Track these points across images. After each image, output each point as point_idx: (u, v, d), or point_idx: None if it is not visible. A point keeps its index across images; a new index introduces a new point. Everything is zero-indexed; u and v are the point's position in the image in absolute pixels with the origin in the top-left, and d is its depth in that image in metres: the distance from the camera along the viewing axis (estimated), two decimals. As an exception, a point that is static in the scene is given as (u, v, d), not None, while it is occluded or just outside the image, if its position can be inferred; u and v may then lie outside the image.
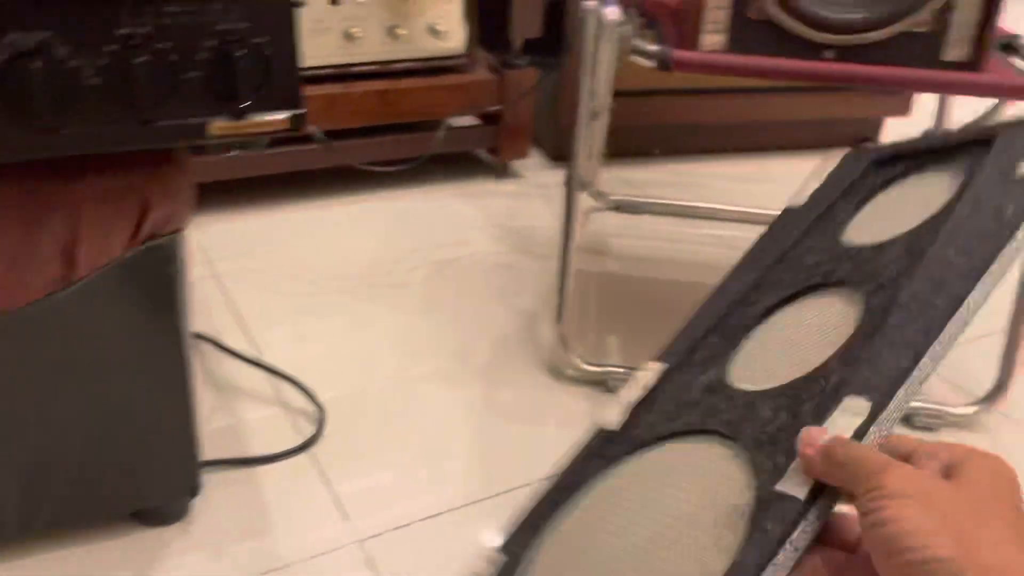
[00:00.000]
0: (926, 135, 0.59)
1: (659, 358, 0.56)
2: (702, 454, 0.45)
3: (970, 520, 0.33)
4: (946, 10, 0.83)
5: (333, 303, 1.14)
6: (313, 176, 1.40)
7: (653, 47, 0.79)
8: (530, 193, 1.51)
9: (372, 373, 1.00)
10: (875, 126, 1.83)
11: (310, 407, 0.93)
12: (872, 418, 0.38)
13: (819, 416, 0.40)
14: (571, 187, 0.96)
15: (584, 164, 0.98)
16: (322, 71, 1.32)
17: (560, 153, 1.55)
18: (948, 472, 0.35)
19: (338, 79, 1.34)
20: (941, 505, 0.33)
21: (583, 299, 1.19)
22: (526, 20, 1.42)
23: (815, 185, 0.62)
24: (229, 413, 0.93)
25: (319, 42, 1.30)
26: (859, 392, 0.39)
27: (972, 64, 0.84)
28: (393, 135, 1.39)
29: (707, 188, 1.57)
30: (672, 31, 0.93)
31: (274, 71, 0.65)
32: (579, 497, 0.50)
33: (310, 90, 1.31)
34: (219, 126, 0.64)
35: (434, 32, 1.37)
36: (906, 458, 0.37)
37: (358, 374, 1.00)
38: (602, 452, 0.52)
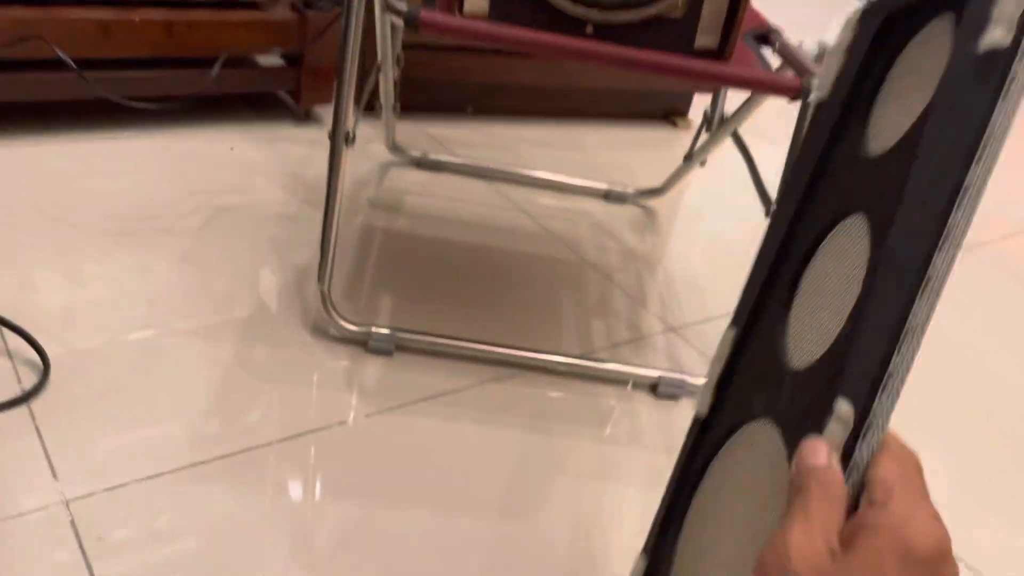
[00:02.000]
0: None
1: (732, 322, 0.52)
2: (764, 440, 0.45)
3: None
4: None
5: (82, 248, 1.07)
6: (78, 108, 1.30)
7: (401, 4, 0.77)
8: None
9: (116, 326, 0.95)
10: (687, 100, 1.89)
11: (36, 358, 0.88)
12: (856, 431, 0.37)
13: (817, 422, 0.39)
14: (335, 141, 0.93)
15: (354, 117, 0.96)
16: (95, -7, 1.22)
17: (368, 101, 1.51)
18: (850, 537, 0.35)
19: (115, 3, 1.24)
20: None
21: (362, 256, 1.17)
22: (328, -40, 1.36)
23: (836, 63, 0.52)
24: (-56, 361, 0.86)
25: (92, -39, 1.20)
26: (846, 394, 0.38)
27: (720, 52, 0.87)
28: (175, 69, 1.31)
29: (515, 152, 1.58)
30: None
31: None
32: (699, 492, 0.51)
33: (77, 12, 1.22)
34: None
35: (228, -37, 1.29)
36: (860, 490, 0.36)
37: (99, 326, 0.94)
38: (701, 443, 0.52)
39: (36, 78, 1.20)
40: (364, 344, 1.00)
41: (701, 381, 0.57)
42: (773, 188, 1.00)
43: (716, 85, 1.21)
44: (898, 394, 0.37)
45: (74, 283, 1.00)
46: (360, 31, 0.86)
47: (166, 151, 1.31)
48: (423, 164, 1.44)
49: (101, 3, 1.23)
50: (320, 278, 0.99)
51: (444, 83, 1.62)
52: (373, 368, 0.98)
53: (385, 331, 1.00)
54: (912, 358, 0.37)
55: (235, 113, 1.46)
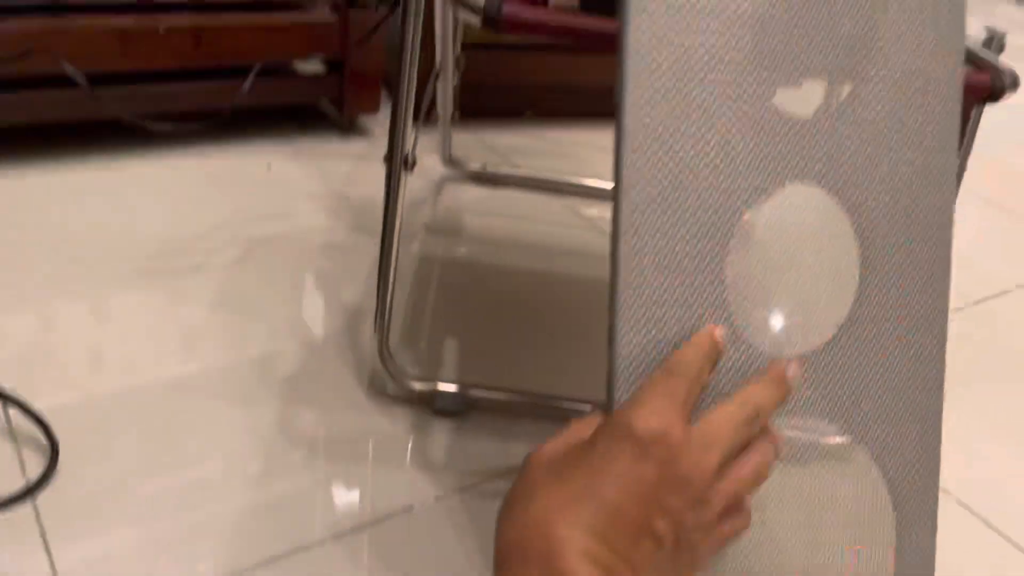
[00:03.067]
0: None
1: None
2: None
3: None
4: None
5: (99, 293, 0.92)
6: (94, 130, 1.15)
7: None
8: (378, 155, 1.29)
9: (137, 389, 0.81)
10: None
11: (43, 438, 0.73)
12: None
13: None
14: (393, 164, 0.77)
15: (413, 133, 0.80)
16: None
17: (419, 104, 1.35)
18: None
19: (136, 9, 1.10)
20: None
21: (421, 292, 1.01)
22: (373, -48, 1.21)
23: None
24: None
25: (108, -39, 1.05)
26: None
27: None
28: (204, 81, 1.16)
29: (582, 160, 1.41)
30: None
31: None
32: None
33: (93, 21, 1.08)
34: None
35: (260, -41, 1.14)
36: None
37: (118, 392, 0.80)
38: None
39: (45, 96, 1.06)
40: (429, 403, 0.84)
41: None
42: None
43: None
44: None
45: (89, 336, 0.86)
46: (420, 34, 0.70)
47: (195, 173, 1.16)
48: (482, 178, 1.28)
49: (120, 10, 1.09)
50: (377, 327, 0.83)
51: (500, 85, 1.46)
52: (441, 434, 0.82)
53: (453, 388, 0.84)
54: None
55: (272, 126, 1.31)
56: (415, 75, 0.72)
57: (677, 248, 0.48)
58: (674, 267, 0.48)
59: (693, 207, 0.48)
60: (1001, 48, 0.75)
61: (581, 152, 1.43)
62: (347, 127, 1.34)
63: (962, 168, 0.70)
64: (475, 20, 0.61)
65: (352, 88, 1.28)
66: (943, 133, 0.53)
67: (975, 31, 0.75)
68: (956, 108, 0.53)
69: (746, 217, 0.48)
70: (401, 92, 0.74)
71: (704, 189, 0.48)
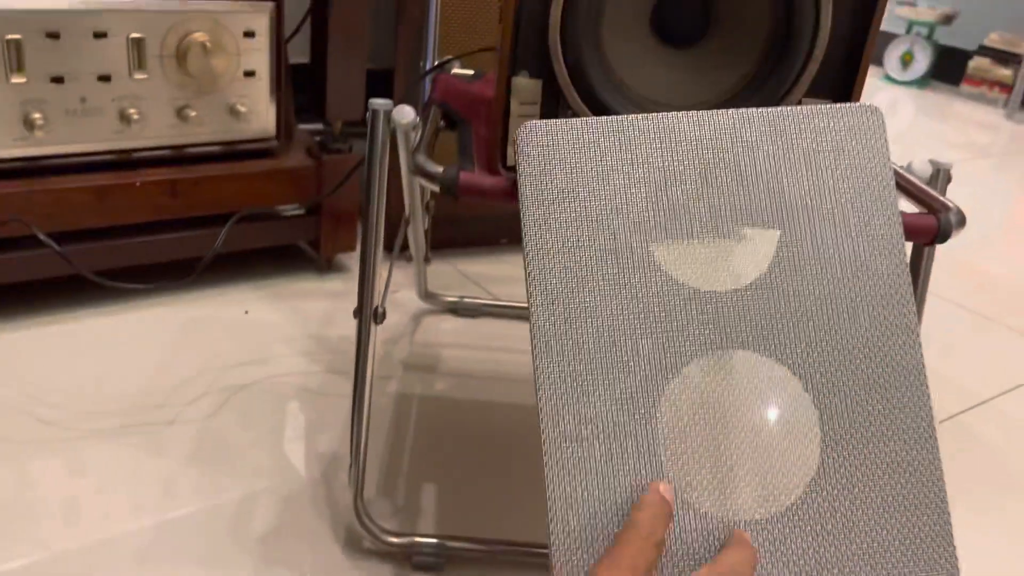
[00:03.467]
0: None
1: None
2: None
3: None
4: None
5: (71, 448, 0.91)
6: (65, 283, 1.16)
7: (435, 167, 0.63)
8: (355, 292, 1.32)
9: (104, 544, 0.78)
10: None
11: (6, 621, 0.71)
12: None
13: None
14: (362, 319, 0.78)
15: (380, 288, 0.81)
16: (89, 158, 1.10)
17: (392, 242, 1.38)
18: None
19: (113, 167, 1.13)
20: None
21: (398, 435, 1.00)
22: (344, 101, 1.25)
23: None
24: None
25: (85, 125, 1.08)
26: None
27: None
28: (183, 231, 1.18)
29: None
30: (483, 140, 0.78)
31: None
32: None
33: (69, 182, 1.10)
34: None
35: (235, 113, 1.18)
36: None
37: (84, 546, 0.78)
38: None
39: (17, 258, 1.07)
40: (408, 557, 0.82)
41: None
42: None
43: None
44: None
45: (64, 492, 0.84)
46: (384, 193, 0.72)
47: (170, 322, 1.17)
48: (460, 310, 1.29)
49: (98, 168, 1.12)
50: (352, 480, 0.82)
51: (475, 216, 1.49)
52: (420, 590, 0.80)
53: (432, 540, 0.82)
54: None
55: (249, 268, 1.33)
56: (380, 234, 0.74)
57: (604, 411, 0.49)
58: (603, 433, 0.49)
59: (617, 376, 0.49)
60: (948, 180, 0.78)
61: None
62: (324, 265, 1.36)
63: (919, 311, 0.72)
64: (433, 187, 0.63)
65: (328, 229, 1.30)
66: (894, 281, 0.54)
67: (920, 160, 0.78)
68: (901, 251, 0.55)
69: (672, 386, 0.50)
70: (368, 248, 0.76)
71: (624, 357, 0.50)
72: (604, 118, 0.58)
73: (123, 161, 1.14)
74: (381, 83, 1.34)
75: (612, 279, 0.53)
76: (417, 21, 1.25)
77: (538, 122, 0.58)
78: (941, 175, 0.75)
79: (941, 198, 0.68)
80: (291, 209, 1.30)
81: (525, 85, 0.69)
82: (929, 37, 3.36)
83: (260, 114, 1.21)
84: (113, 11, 1.05)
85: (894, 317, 0.54)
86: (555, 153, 0.57)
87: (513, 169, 0.71)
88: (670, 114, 0.58)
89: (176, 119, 1.15)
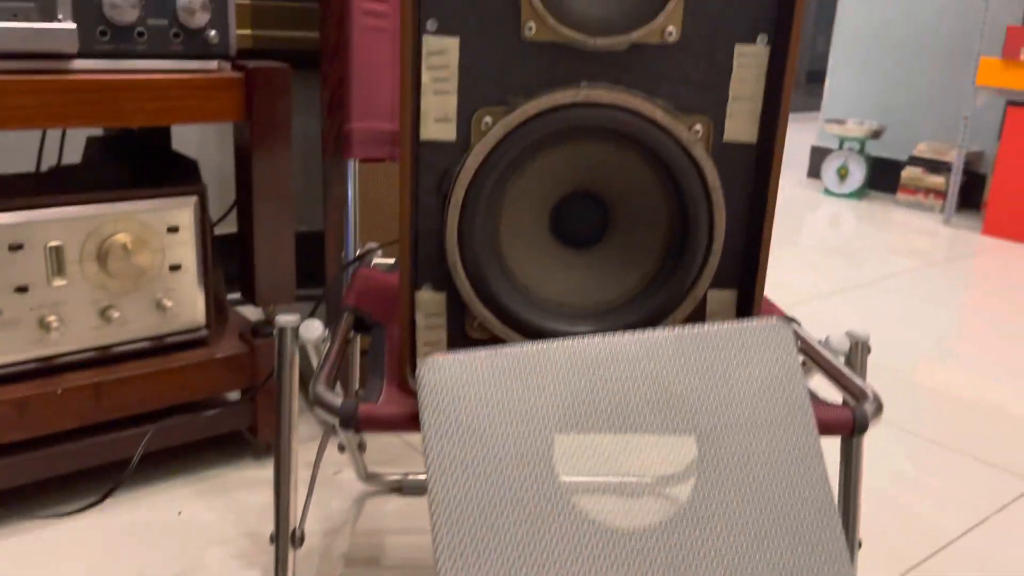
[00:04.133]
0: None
1: None
2: None
3: None
4: (696, 317, 0.70)
5: None
6: None
7: (334, 398, 0.61)
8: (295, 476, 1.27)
9: None
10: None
11: None
12: None
13: None
14: (279, 546, 0.73)
15: (301, 508, 0.77)
16: (7, 370, 1.07)
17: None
18: None
19: (33, 375, 1.10)
20: None
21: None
22: (275, 286, 1.24)
23: None
24: None
25: (3, 336, 1.06)
26: None
27: (738, 376, 0.70)
28: (108, 434, 1.14)
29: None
30: (396, 344, 0.76)
31: None
32: None
33: (-14, 399, 1.07)
34: None
35: (161, 308, 1.16)
36: None
37: None
38: None
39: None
40: None
41: None
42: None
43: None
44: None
45: None
46: (296, 427, 0.70)
47: (96, 536, 1.11)
48: (405, 489, 1.24)
49: (16, 380, 1.08)
50: None
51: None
52: None
53: None
54: None
55: (184, 460, 1.28)
56: (294, 457, 0.71)
57: None
58: None
59: None
60: (867, 352, 0.77)
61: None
62: (263, 449, 1.32)
63: (855, 519, 0.69)
64: (332, 420, 0.61)
65: (266, 413, 1.27)
66: (815, 494, 0.52)
67: (837, 335, 0.77)
68: (819, 460, 0.53)
69: None
70: (283, 471, 0.72)
71: None
72: (509, 349, 0.57)
73: (44, 368, 1.10)
74: (317, 247, 1.34)
75: (522, 522, 0.50)
76: (343, 202, 1.26)
77: (440, 358, 0.57)
78: (860, 351, 0.75)
79: (858, 382, 0.67)
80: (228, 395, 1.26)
81: (429, 299, 0.68)
82: (861, 151, 3.49)
83: (188, 305, 1.19)
84: (30, 222, 1.05)
85: (819, 536, 0.51)
86: (459, 389, 0.55)
87: (424, 381, 0.69)
88: (578, 340, 0.57)
89: (99, 320, 1.12)
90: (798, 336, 0.80)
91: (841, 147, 3.54)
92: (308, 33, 1.64)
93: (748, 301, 0.69)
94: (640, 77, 0.64)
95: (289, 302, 1.26)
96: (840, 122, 3.56)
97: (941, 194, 3.30)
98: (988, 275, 2.57)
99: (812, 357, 0.76)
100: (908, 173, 3.39)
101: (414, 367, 0.69)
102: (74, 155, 1.61)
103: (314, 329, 0.72)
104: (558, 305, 0.69)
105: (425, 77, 0.62)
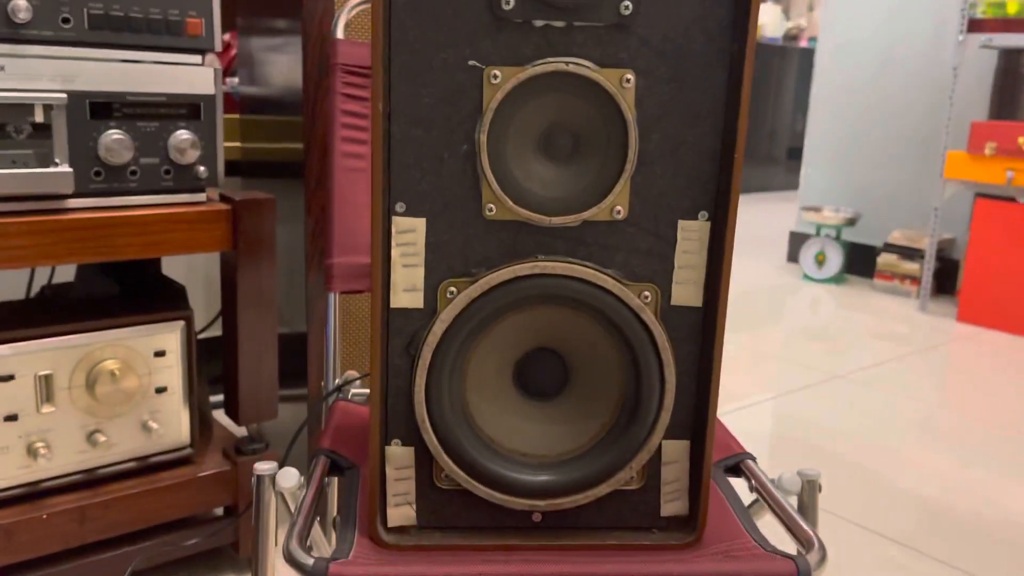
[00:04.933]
0: None
1: None
2: None
3: None
4: (652, 465, 0.74)
5: None
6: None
7: (305, 559, 0.65)
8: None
9: None
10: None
11: None
12: None
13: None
14: None
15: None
16: (-6, 499, 1.10)
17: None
18: None
19: (19, 501, 1.12)
20: None
21: None
22: (258, 405, 1.28)
23: None
24: None
25: (-10, 465, 1.09)
26: None
27: (691, 520, 0.74)
28: (93, 556, 1.16)
29: None
30: (366, 505, 0.80)
31: None
32: None
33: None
34: None
35: (147, 429, 1.20)
36: None
37: None
38: None
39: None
40: None
41: None
42: None
43: None
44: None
45: None
46: (273, 568, 0.73)
47: (80, 657, 1.12)
48: None
49: (3, 505, 1.11)
50: None
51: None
52: None
53: None
54: None
55: (168, 577, 1.29)
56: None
57: None
58: None
59: None
60: (819, 490, 0.81)
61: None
62: (244, 565, 1.33)
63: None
64: (306, 580, 0.64)
65: (248, 530, 1.29)
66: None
67: (789, 475, 0.81)
68: None
69: None
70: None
71: None
72: None
73: (30, 493, 1.13)
74: (302, 347, 1.37)
75: None
76: (323, 327, 1.31)
77: None
78: (811, 487, 0.79)
79: (807, 528, 0.71)
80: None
81: (399, 453, 0.72)
82: (837, 238, 3.59)
83: (173, 425, 1.23)
84: (21, 354, 1.09)
85: None
86: None
87: (396, 531, 0.73)
88: None
89: (86, 444, 1.16)
90: (752, 474, 0.84)
91: (818, 233, 3.64)
92: (295, 145, 1.72)
93: (700, 449, 0.73)
94: (593, 249, 0.69)
95: (272, 418, 1.30)
96: (816, 210, 3.66)
97: (916, 280, 3.39)
98: (963, 363, 2.62)
99: (764, 497, 0.80)
100: (884, 259, 3.47)
101: (384, 519, 0.72)
102: (62, 274, 1.66)
103: (290, 477, 0.76)
104: (521, 455, 0.73)
105: (394, 253, 0.68)
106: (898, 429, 2.05)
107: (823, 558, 0.67)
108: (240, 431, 1.54)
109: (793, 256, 4.00)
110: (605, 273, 0.69)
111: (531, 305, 0.70)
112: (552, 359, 0.74)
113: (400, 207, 0.67)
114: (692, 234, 0.69)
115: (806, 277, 3.67)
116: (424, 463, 0.72)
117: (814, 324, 2.97)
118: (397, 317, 0.70)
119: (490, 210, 0.68)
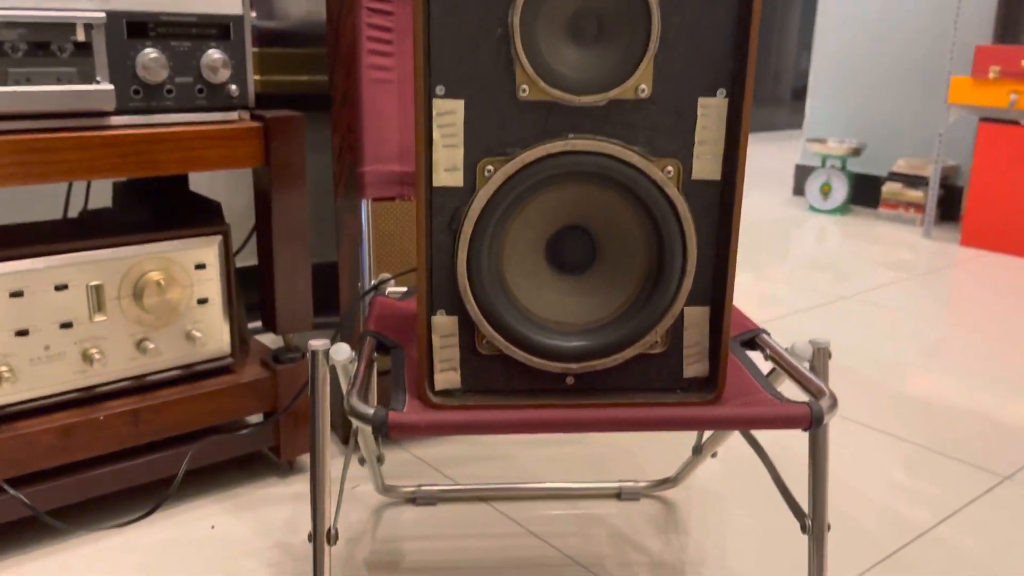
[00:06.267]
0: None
1: None
2: None
3: None
4: (675, 331, 0.80)
5: None
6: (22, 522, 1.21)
7: (366, 408, 0.71)
8: (318, 493, 1.37)
9: None
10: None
11: None
12: None
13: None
14: (317, 543, 0.83)
15: (333, 509, 0.87)
16: (53, 399, 1.17)
17: (348, 436, 1.43)
18: None
19: (77, 404, 1.20)
20: None
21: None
22: (294, 315, 1.34)
23: None
24: None
25: (49, 370, 1.16)
26: None
27: (711, 381, 0.81)
28: (144, 456, 1.24)
29: (512, 460, 1.49)
30: (414, 363, 0.86)
31: None
32: None
33: (36, 424, 1.17)
34: None
35: (191, 338, 1.27)
36: None
37: None
38: None
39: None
40: None
41: None
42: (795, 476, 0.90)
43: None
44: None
45: None
46: (328, 439, 0.80)
47: (136, 551, 1.20)
48: (419, 499, 1.34)
49: (61, 409, 1.18)
50: None
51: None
52: None
53: None
54: None
55: (214, 480, 1.37)
56: (327, 466, 0.81)
57: None
58: None
59: None
60: (828, 357, 0.88)
61: (514, 452, 1.51)
62: (286, 468, 1.42)
63: (822, 503, 0.79)
64: (366, 428, 0.71)
65: (287, 434, 1.36)
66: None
67: (801, 343, 0.88)
68: None
69: None
70: (318, 476, 0.82)
71: None
72: None
73: (86, 398, 1.20)
74: (331, 278, 1.44)
75: None
76: (356, 238, 1.37)
77: None
78: (822, 354, 0.85)
79: (818, 382, 0.78)
80: (252, 417, 1.36)
81: (443, 322, 0.78)
82: (843, 168, 3.62)
83: (215, 336, 1.30)
84: (73, 264, 1.15)
85: None
86: None
87: (442, 393, 0.80)
88: None
89: (136, 352, 1.23)
90: (767, 344, 0.91)
91: (823, 165, 3.67)
92: (314, 77, 1.76)
93: (719, 315, 0.80)
94: (619, 127, 0.75)
95: (307, 330, 1.36)
96: (821, 141, 3.69)
97: (921, 207, 3.43)
98: (966, 285, 2.68)
99: (779, 363, 0.86)
100: (888, 188, 3.51)
101: (432, 383, 0.79)
102: (96, 199, 1.72)
103: (343, 352, 0.83)
104: (555, 324, 0.80)
105: (436, 134, 0.73)
106: (904, 346, 2.12)
107: (834, 404, 0.74)
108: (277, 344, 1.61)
109: (799, 189, 4.03)
110: (631, 149, 0.75)
111: (562, 182, 0.76)
112: (581, 236, 0.80)
113: (440, 90, 0.73)
114: (710, 110, 0.75)
115: (811, 208, 3.71)
116: (467, 331, 0.79)
117: (820, 254, 3.02)
118: (439, 195, 0.75)
119: (523, 91, 0.73)
